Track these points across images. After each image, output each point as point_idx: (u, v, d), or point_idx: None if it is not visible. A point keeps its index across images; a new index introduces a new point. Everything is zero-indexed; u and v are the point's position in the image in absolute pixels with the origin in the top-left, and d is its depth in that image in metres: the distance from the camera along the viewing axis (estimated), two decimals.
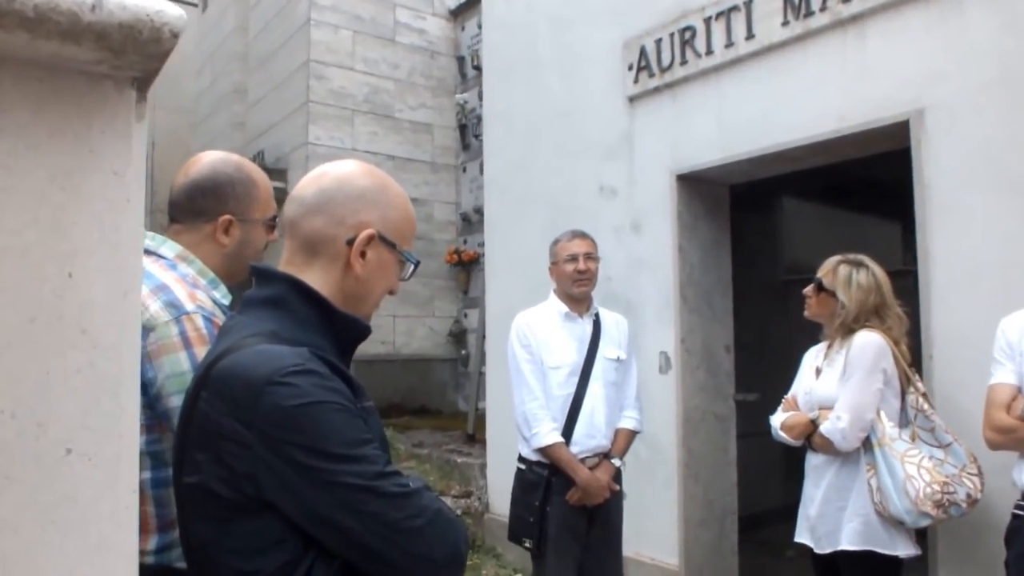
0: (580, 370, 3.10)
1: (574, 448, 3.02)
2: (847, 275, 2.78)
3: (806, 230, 5.96)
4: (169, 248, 1.72)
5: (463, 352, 8.45)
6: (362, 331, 1.30)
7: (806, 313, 2.92)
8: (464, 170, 8.93)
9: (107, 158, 0.74)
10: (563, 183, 4.76)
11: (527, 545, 3.03)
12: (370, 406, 1.23)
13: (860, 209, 6.01)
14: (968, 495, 2.55)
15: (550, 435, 2.99)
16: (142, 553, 1.52)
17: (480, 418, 6.14)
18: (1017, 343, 2.39)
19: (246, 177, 1.77)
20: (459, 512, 5.20)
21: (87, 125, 0.73)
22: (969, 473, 2.59)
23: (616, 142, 4.39)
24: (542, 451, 3.01)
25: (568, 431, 3.04)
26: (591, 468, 3.04)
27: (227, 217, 1.72)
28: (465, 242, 8.70)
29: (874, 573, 2.66)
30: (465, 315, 8.65)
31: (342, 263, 1.26)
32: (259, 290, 1.29)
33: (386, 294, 1.36)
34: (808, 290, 2.88)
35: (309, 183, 1.31)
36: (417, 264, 1.36)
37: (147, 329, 1.52)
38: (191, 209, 1.74)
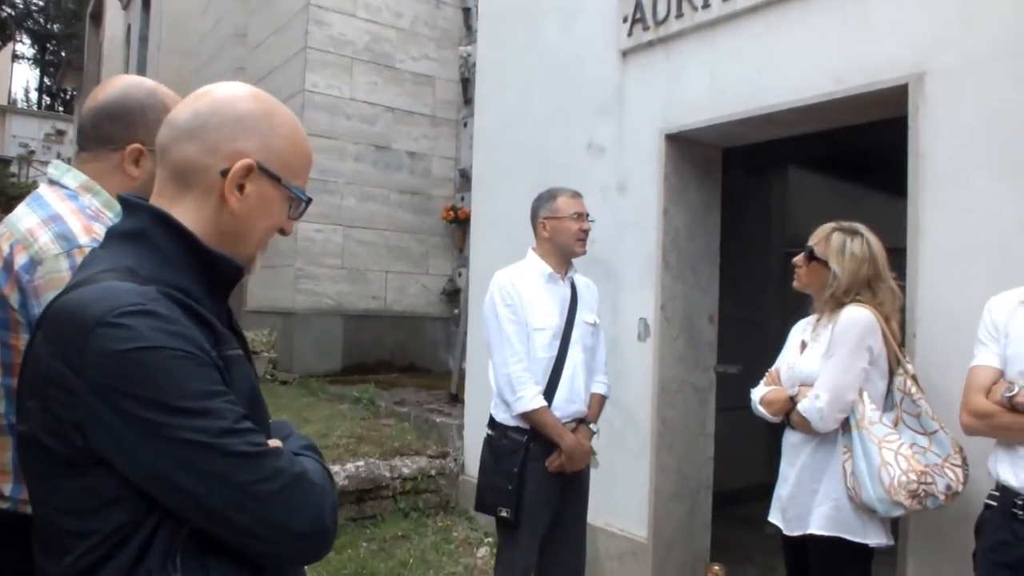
0: (561, 333, 3.01)
1: (555, 413, 2.93)
2: (840, 243, 2.62)
3: (806, 200, 5.75)
4: (72, 178, 1.60)
5: (455, 311, 8.33)
6: (233, 272, 1.17)
7: (795, 284, 2.76)
8: (465, 125, 8.70)
9: None
10: (553, 140, 4.58)
11: (503, 514, 2.89)
12: (234, 355, 1.11)
13: (865, 182, 5.79)
14: (948, 487, 2.40)
15: (536, 399, 2.88)
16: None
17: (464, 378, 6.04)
18: (1003, 324, 2.24)
19: (159, 104, 1.63)
20: (433, 473, 5.14)
21: None
22: (952, 464, 2.44)
23: (607, 98, 4.19)
24: (525, 416, 2.90)
25: (549, 395, 2.94)
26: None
27: (136, 146, 1.59)
28: (463, 199, 8.51)
29: (842, 560, 2.54)
30: (460, 273, 8.51)
31: (216, 196, 1.13)
32: (122, 222, 1.16)
33: (274, 233, 1.23)
34: (798, 259, 2.72)
35: (185, 105, 1.17)
36: (308, 201, 1.23)
37: (35, 263, 1.43)
38: (97, 136, 1.62)
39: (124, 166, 1.60)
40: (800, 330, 2.84)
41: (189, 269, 1.11)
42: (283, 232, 1.24)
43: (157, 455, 0.97)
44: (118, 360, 0.95)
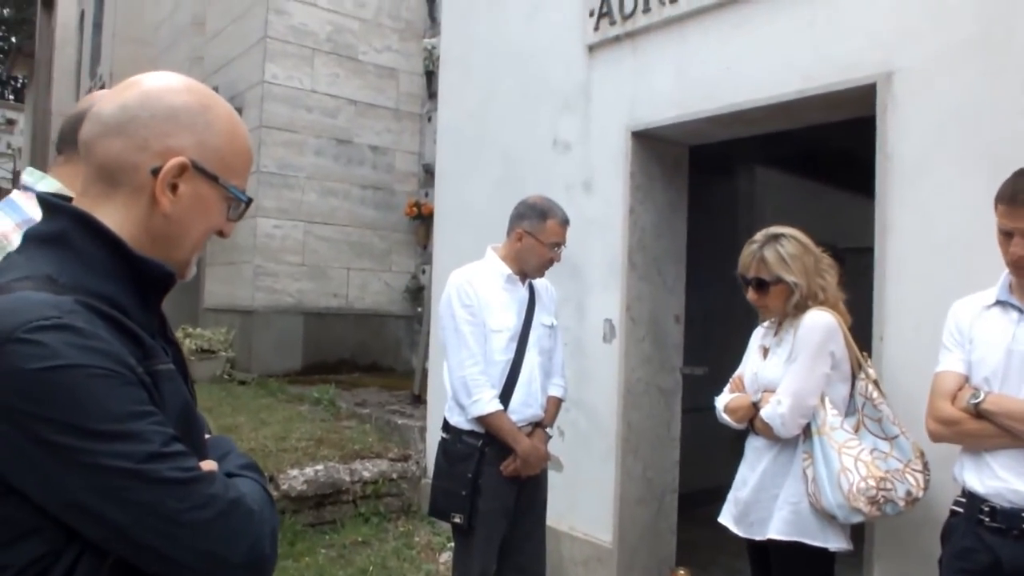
0: (519, 336, 2.95)
1: (512, 416, 2.88)
2: (776, 255, 2.54)
3: (774, 200, 5.74)
4: (47, 184, 1.62)
5: (419, 309, 8.21)
6: (163, 277, 1.08)
7: (768, 316, 2.67)
8: (429, 119, 8.57)
9: None
10: (518, 135, 4.49)
11: (456, 520, 2.85)
12: (165, 370, 1.02)
13: (834, 181, 5.81)
14: (908, 492, 2.38)
15: (492, 403, 2.83)
16: None
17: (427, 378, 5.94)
18: (968, 329, 2.21)
19: None
20: (395, 476, 5.04)
21: None
22: (913, 469, 2.42)
23: (573, 94, 4.11)
24: (481, 419, 2.84)
25: (505, 398, 2.89)
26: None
27: None
28: (427, 195, 8.37)
29: (803, 564, 2.52)
30: (423, 271, 8.38)
31: (147, 197, 1.04)
32: (41, 224, 1.06)
33: (212, 235, 1.14)
34: (752, 296, 2.60)
35: (111, 97, 1.08)
36: (249, 202, 1.15)
37: None
38: (73, 139, 1.61)
39: None
40: (760, 335, 2.79)
41: (115, 276, 1.02)
42: (222, 234, 1.16)
43: (76, 483, 0.89)
44: (30, 380, 0.87)
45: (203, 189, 1.08)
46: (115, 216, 1.04)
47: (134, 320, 1.00)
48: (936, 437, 2.23)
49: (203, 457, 1.03)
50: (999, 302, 2.18)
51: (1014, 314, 2.14)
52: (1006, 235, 2.07)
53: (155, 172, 1.03)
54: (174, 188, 1.05)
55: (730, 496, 2.74)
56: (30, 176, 1.64)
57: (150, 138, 1.03)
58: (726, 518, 2.73)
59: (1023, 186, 2.01)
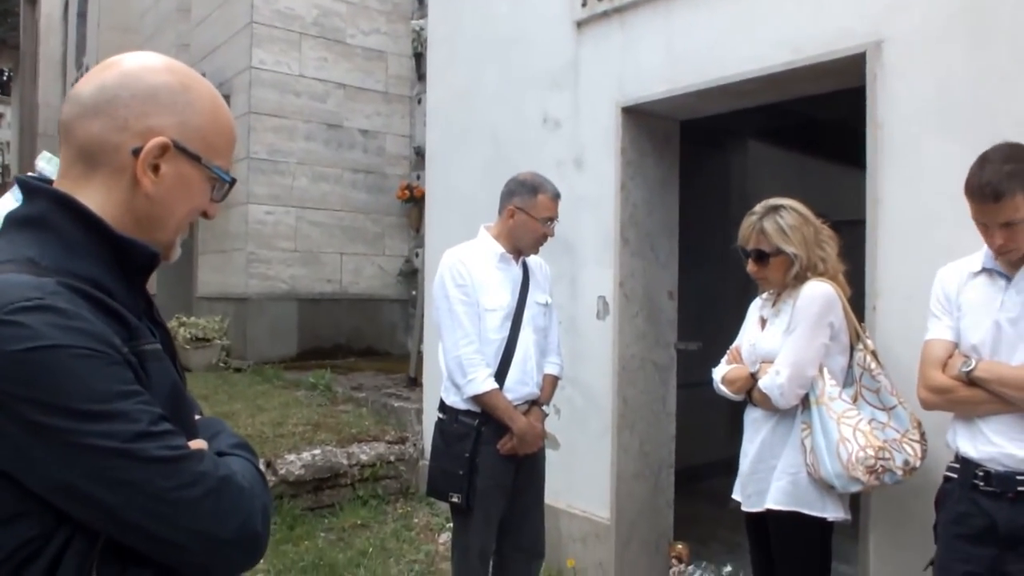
0: (513, 314, 2.94)
1: (507, 395, 2.88)
2: (775, 226, 2.52)
3: (766, 173, 5.73)
4: None
5: (413, 292, 8.21)
6: (147, 258, 1.07)
7: (768, 288, 2.67)
8: (419, 101, 8.51)
9: None
10: (507, 114, 4.46)
11: (454, 499, 2.85)
12: (151, 350, 1.02)
13: (825, 154, 5.80)
14: (906, 462, 2.39)
15: (487, 381, 2.83)
16: None
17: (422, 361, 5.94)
18: (955, 296, 2.21)
19: None
20: (392, 459, 5.05)
21: None
22: (911, 439, 2.42)
23: (562, 71, 4.08)
24: (476, 398, 2.84)
25: (501, 377, 2.89)
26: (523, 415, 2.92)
27: None
28: (418, 177, 8.34)
29: (801, 534, 2.53)
30: (417, 254, 8.36)
31: (128, 178, 1.04)
32: (21, 207, 1.05)
33: (195, 217, 1.14)
34: (752, 268, 2.59)
35: (89, 78, 1.06)
36: (232, 182, 1.14)
37: None
38: None
39: None
40: (758, 307, 2.79)
41: (97, 257, 1.01)
42: (206, 215, 1.16)
43: (63, 465, 0.89)
44: (12, 362, 0.86)
45: (185, 169, 1.07)
46: (96, 197, 1.03)
47: (118, 301, 0.99)
48: (928, 405, 2.24)
49: (193, 436, 1.03)
50: (985, 269, 2.18)
51: (1001, 281, 2.13)
52: (982, 225, 2.07)
53: (136, 152, 1.02)
54: (156, 168, 1.04)
55: (739, 470, 2.73)
56: (48, 164, 1.59)
57: (130, 118, 1.03)
58: (738, 493, 2.72)
59: (988, 179, 2.00)
